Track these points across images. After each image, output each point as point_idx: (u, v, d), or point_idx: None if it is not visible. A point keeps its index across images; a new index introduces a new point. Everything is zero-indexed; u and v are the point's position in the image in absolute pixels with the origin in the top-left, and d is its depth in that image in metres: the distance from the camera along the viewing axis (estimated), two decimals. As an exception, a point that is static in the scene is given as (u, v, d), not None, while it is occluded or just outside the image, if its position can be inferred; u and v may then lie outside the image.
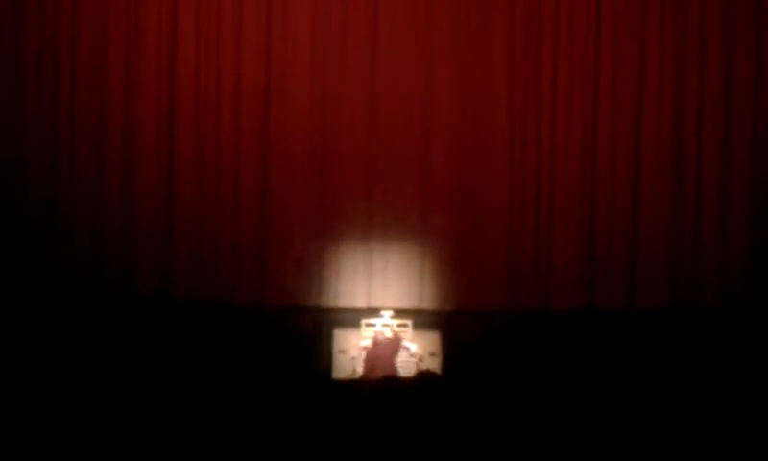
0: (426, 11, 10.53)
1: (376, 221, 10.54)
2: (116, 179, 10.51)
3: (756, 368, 8.88)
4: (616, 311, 10.55)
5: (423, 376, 6.31)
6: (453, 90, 10.57)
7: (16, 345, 8.89)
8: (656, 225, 10.58)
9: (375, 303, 10.38)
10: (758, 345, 9.87)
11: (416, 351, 9.76)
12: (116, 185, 10.51)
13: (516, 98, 10.59)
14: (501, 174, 10.58)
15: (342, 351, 9.84)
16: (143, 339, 9.69)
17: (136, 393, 5.54)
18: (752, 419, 5.50)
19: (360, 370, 9.68)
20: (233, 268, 10.53)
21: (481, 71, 10.57)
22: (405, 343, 9.79)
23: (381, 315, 10.01)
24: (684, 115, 10.58)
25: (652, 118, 10.58)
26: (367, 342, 9.79)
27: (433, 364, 9.71)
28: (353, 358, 9.76)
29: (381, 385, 5.88)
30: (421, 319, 10.17)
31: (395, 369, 9.53)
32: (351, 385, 7.25)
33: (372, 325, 9.92)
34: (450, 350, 9.87)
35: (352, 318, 10.12)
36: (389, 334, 9.80)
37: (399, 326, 9.91)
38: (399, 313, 10.08)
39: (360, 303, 10.46)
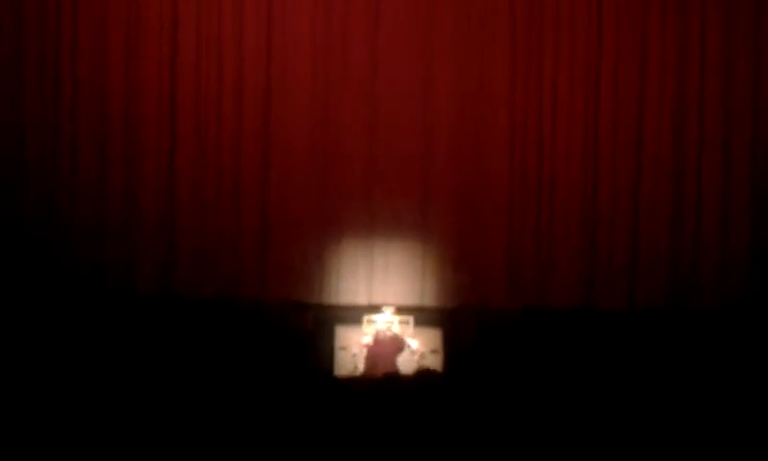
0: (427, 10, 10.53)
1: (377, 218, 10.55)
2: (117, 177, 10.52)
3: (756, 367, 8.89)
4: (617, 310, 10.55)
5: (423, 374, 6.32)
6: (454, 89, 10.58)
7: (17, 343, 8.89)
8: (656, 223, 10.59)
9: (377, 300, 10.38)
10: (758, 344, 9.87)
11: (417, 348, 9.77)
12: (117, 184, 10.51)
13: (516, 97, 10.59)
14: (502, 172, 10.59)
15: (343, 348, 9.85)
16: (144, 337, 9.70)
17: (137, 391, 5.54)
18: (752, 418, 5.50)
19: (361, 367, 9.69)
20: (235, 265, 10.53)
21: (481, 71, 10.57)
22: (407, 340, 9.81)
23: (382, 312, 10.02)
24: (684, 115, 10.58)
25: (652, 118, 10.59)
26: (368, 339, 9.81)
27: (434, 361, 9.72)
28: (355, 355, 9.77)
29: (382, 382, 5.89)
30: (423, 316, 10.18)
31: (396, 366, 9.55)
32: (353, 382, 7.26)
33: (374, 322, 9.94)
34: (451, 347, 9.88)
35: (354, 315, 10.13)
36: (391, 332, 9.82)
37: (401, 323, 9.92)
38: (401, 310, 10.09)
39: (361, 299, 10.46)
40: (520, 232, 10.60)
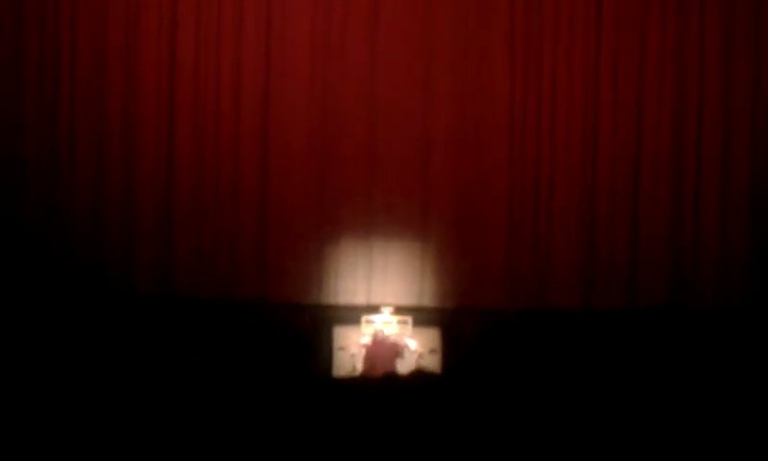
0: (426, 9, 10.54)
1: (376, 218, 10.55)
2: (116, 177, 10.52)
3: (757, 367, 8.88)
4: (616, 309, 10.56)
5: (419, 374, 6.31)
6: (453, 89, 10.58)
7: (16, 344, 8.88)
8: (656, 223, 10.59)
9: (375, 300, 10.38)
10: (759, 343, 9.86)
11: (415, 348, 9.77)
12: (116, 184, 10.52)
13: (516, 97, 10.60)
14: (501, 172, 10.59)
15: (342, 348, 9.85)
16: (143, 337, 9.69)
17: (137, 391, 5.53)
18: (752, 418, 5.50)
19: (360, 367, 9.69)
20: (233, 266, 10.54)
21: (481, 70, 10.57)
22: (405, 340, 9.80)
23: (381, 312, 10.02)
24: (684, 114, 10.59)
25: (652, 117, 10.59)
26: (367, 339, 9.80)
27: (433, 361, 9.72)
28: (353, 355, 9.77)
29: (381, 382, 5.88)
30: (422, 316, 10.18)
31: (395, 367, 9.53)
32: (351, 382, 7.25)
33: (373, 322, 9.93)
34: (450, 347, 9.88)
35: (352, 315, 10.13)
36: (390, 331, 9.82)
37: (399, 323, 9.92)
38: (399, 310, 10.09)
39: (360, 299, 10.47)
40: (520, 232, 10.60)
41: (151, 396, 5.49)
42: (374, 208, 10.54)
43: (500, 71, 10.56)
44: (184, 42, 10.50)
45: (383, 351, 9.68)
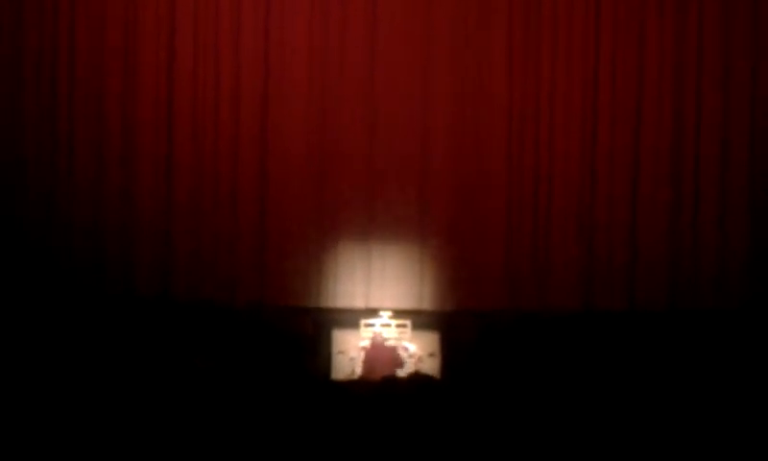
0: (425, 11, 10.52)
1: (375, 221, 10.53)
2: (115, 179, 10.51)
3: (756, 368, 8.88)
4: (616, 311, 10.55)
5: (418, 378, 6.32)
6: (452, 91, 10.57)
7: (16, 345, 8.88)
8: (655, 224, 10.58)
9: (374, 304, 10.37)
10: (758, 345, 9.86)
11: (414, 352, 9.76)
12: (115, 186, 10.50)
13: (514, 98, 10.58)
14: (500, 174, 10.58)
15: (341, 352, 9.84)
16: (143, 339, 9.68)
17: (136, 393, 5.54)
18: (752, 419, 5.50)
19: (359, 370, 9.68)
20: (233, 269, 10.52)
21: (480, 72, 10.56)
22: (404, 343, 9.80)
23: (380, 315, 10.01)
24: (682, 115, 10.58)
25: (650, 118, 10.57)
26: (366, 342, 9.79)
27: (432, 364, 9.71)
28: (352, 359, 9.76)
29: (380, 386, 5.88)
30: (420, 319, 10.16)
31: (394, 370, 9.52)
32: (350, 386, 7.25)
33: (371, 325, 9.92)
34: (449, 350, 9.87)
35: (351, 318, 10.12)
36: (389, 334, 9.81)
37: (398, 326, 9.91)
38: (398, 313, 10.08)
39: (359, 303, 10.45)
40: (519, 235, 10.59)
41: (151, 397, 5.50)
42: (373, 211, 10.53)
43: (499, 72, 10.55)
44: (183, 44, 10.49)
45: (382, 354, 9.67)
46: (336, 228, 10.53)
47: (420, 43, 10.55)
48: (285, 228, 10.52)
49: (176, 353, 9.14)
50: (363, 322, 9.95)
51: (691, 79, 10.56)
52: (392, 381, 6.13)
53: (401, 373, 9.52)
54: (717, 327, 10.26)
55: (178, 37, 10.49)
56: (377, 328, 9.86)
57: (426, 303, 10.48)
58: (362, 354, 9.70)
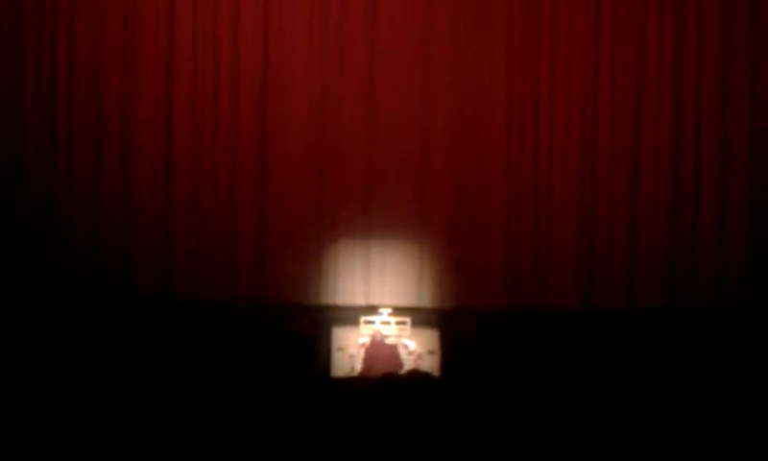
0: (425, 10, 10.53)
1: (375, 219, 10.54)
2: (115, 179, 10.52)
3: (755, 367, 8.88)
4: (615, 310, 10.55)
5: (415, 375, 6.32)
6: (452, 90, 10.57)
7: (16, 345, 8.88)
8: (654, 223, 10.59)
9: (374, 301, 10.38)
10: (757, 344, 9.87)
11: (414, 349, 9.76)
12: (115, 186, 10.51)
13: (514, 98, 10.59)
14: (500, 172, 10.58)
15: (340, 349, 9.84)
16: (142, 338, 9.69)
17: (136, 392, 5.54)
18: (751, 418, 5.50)
19: (358, 368, 9.69)
20: (232, 267, 10.53)
21: (479, 71, 10.57)
22: (404, 341, 9.80)
23: (380, 313, 10.02)
24: (682, 115, 10.59)
25: (650, 118, 10.58)
26: (365, 340, 9.80)
27: (432, 362, 9.71)
28: (352, 356, 9.76)
29: (380, 383, 5.89)
30: (420, 316, 10.17)
31: (394, 368, 9.52)
32: (350, 383, 7.26)
33: (371, 322, 9.93)
34: (449, 347, 9.87)
35: (351, 316, 10.12)
36: (388, 332, 9.82)
37: (398, 323, 9.92)
38: (398, 311, 10.08)
39: (358, 300, 10.46)
40: (518, 233, 10.60)
41: (151, 396, 5.51)
42: (373, 209, 10.54)
43: (499, 72, 10.56)
44: (182, 43, 10.50)
45: (382, 352, 9.68)
46: (336, 226, 10.54)
47: (420, 43, 10.55)
48: (285, 226, 10.53)
49: (175, 352, 9.14)
50: (363, 319, 9.96)
51: (691, 79, 10.57)
52: (391, 378, 6.14)
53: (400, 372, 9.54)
54: (717, 326, 10.26)
55: (177, 37, 10.50)
56: (377, 326, 9.86)
57: (426, 301, 10.49)
58: (361, 352, 9.71)
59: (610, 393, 5.80)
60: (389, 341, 9.77)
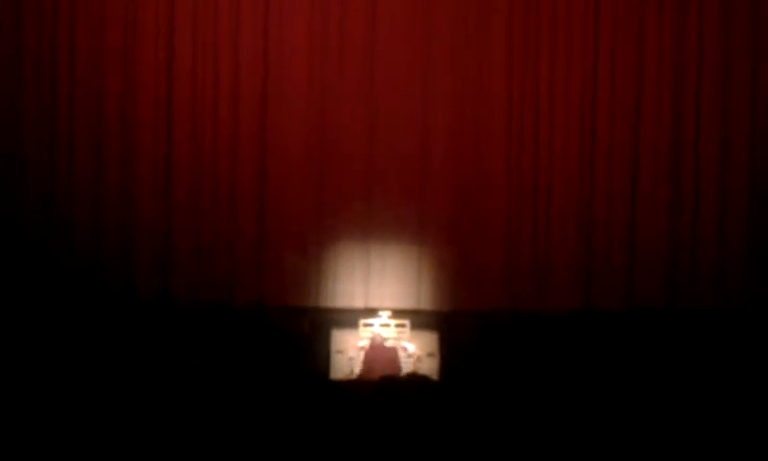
0: (425, 11, 10.53)
1: (374, 221, 10.54)
2: (115, 179, 10.51)
3: (755, 367, 8.88)
4: (615, 311, 10.55)
5: (413, 378, 6.32)
6: (451, 91, 10.57)
7: (16, 346, 8.88)
8: (654, 223, 10.59)
9: (373, 304, 10.37)
10: (756, 344, 9.86)
11: (413, 352, 9.75)
12: (115, 186, 10.51)
13: (514, 98, 10.59)
14: (499, 173, 10.58)
15: (339, 352, 9.84)
16: (141, 340, 9.68)
17: (136, 393, 5.54)
18: (751, 418, 5.50)
19: (357, 370, 9.68)
20: (232, 269, 10.52)
21: (479, 71, 10.57)
22: (403, 343, 9.79)
23: (379, 315, 10.01)
24: (681, 115, 10.59)
25: (650, 118, 10.58)
26: (364, 342, 9.79)
27: (431, 364, 9.71)
28: (351, 358, 9.76)
29: (379, 385, 5.88)
30: (419, 319, 10.16)
31: (393, 371, 9.52)
32: (348, 385, 7.25)
33: (370, 325, 9.92)
34: (448, 350, 9.87)
35: (350, 318, 10.12)
36: (388, 334, 9.81)
37: (397, 326, 9.91)
38: (397, 313, 10.08)
39: (358, 303, 10.45)
40: (518, 234, 10.59)
41: (151, 397, 5.50)
42: (372, 211, 10.53)
43: (498, 72, 10.55)
44: (182, 43, 10.49)
45: (382, 355, 9.67)
46: (335, 227, 10.53)
47: (420, 43, 10.55)
48: (284, 227, 10.52)
49: (175, 353, 9.14)
50: (362, 322, 9.95)
51: (691, 77, 10.56)
52: (390, 381, 6.13)
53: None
54: (716, 326, 10.25)
55: (177, 37, 10.50)
56: (376, 328, 9.85)
57: (425, 303, 10.48)
58: (361, 354, 9.70)
59: (609, 393, 5.79)
60: (388, 344, 9.76)
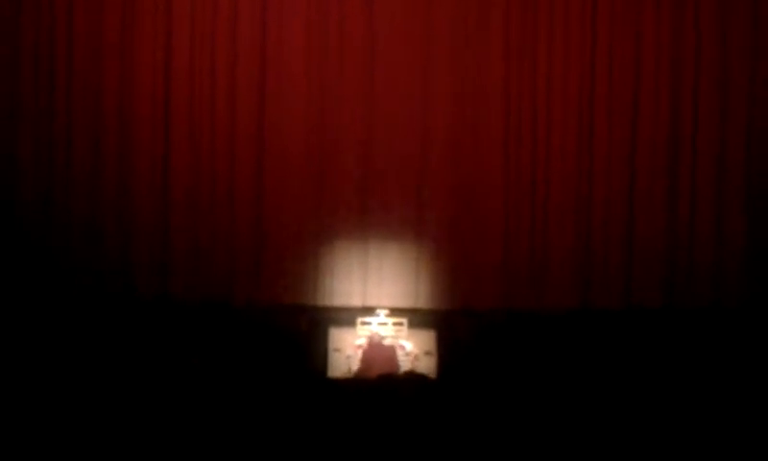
0: (423, 11, 10.53)
1: (372, 220, 10.54)
2: (112, 178, 10.51)
3: (753, 367, 8.89)
4: (613, 310, 10.55)
5: (411, 376, 6.32)
6: (450, 90, 10.57)
7: (15, 345, 8.88)
8: (652, 223, 10.59)
9: (371, 302, 10.38)
10: (755, 343, 9.86)
11: (411, 350, 9.75)
12: (113, 184, 10.51)
13: (512, 98, 10.59)
14: (497, 173, 10.58)
15: (337, 350, 9.84)
16: (140, 339, 9.69)
17: (135, 392, 5.54)
18: (749, 417, 5.50)
19: (355, 368, 9.68)
20: (230, 268, 10.52)
21: (478, 71, 10.57)
22: (401, 342, 9.80)
23: (377, 314, 10.01)
24: (679, 112, 10.59)
25: (647, 117, 10.59)
26: (362, 341, 9.79)
27: (428, 363, 9.71)
28: (349, 357, 9.76)
29: (376, 384, 5.88)
30: (417, 318, 10.17)
31: (391, 370, 9.52)
32: (347, 384, 7.25)
33: (368, 323, 9.92)
34: (446, 349, 9.87)
35: (348, 317, 10.12)
36: (385, 333, 9.82)
37: (395, 324, 9.91)
38: (395, 312, 10.08)
39: (356, 301, 10.46)
40: (516, 233, 10.59)
41: (149, 396, 5.50)
42: (370, 210, 10.53)
43: (497, 72, 10.55)
44: (180, 41, 10.49)
45: (380, 353, 9.67)
46: (334, 226, 10.54)
47: (420, 43, 10.55)
48: (283, 226, 10.52)
49: (173, 352, 9.15)
50: (360, 320, 9.95)
51: (689, 74, 10.56)
52: (387, 380, 6.13)
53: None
54: (714, 325, 10.26)
55: (175, 35, 10.49)
56: (374, 327, 9.86)
57: (423, 302, 10.48)
58: (358, 353, 9.70)
59: (607, 392, 5.79)
60: (386, 342, 9.76)
